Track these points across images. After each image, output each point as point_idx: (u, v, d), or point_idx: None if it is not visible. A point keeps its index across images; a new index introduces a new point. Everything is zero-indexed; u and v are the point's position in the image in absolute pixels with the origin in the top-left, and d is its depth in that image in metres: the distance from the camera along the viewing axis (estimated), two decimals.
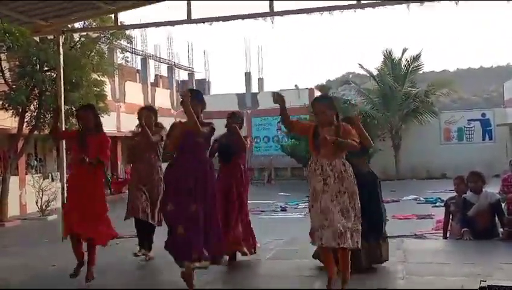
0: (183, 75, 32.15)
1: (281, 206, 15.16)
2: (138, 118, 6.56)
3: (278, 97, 4.60)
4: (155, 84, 26.99)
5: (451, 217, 7.76)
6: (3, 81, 12.43)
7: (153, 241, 6.57)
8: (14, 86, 12.68)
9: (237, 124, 6.25)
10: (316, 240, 4.45)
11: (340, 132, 4.54)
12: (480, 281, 3.65)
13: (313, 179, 4.58)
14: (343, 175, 4.56)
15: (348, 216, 4.47)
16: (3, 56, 12.62)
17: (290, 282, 4.61)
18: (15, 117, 13.00)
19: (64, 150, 9.33)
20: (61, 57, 9.29)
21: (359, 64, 28.48)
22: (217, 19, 8.22)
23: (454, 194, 7.88)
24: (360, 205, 4.59)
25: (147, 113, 6.58)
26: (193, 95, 4.90)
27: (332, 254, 4.55)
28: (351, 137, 4.59)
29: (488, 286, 3.50)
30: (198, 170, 4.76)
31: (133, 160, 6.82)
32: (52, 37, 9.88)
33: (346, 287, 4.52)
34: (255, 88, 31.33)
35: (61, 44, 9.39)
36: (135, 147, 6.68)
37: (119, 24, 9.83)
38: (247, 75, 31.04)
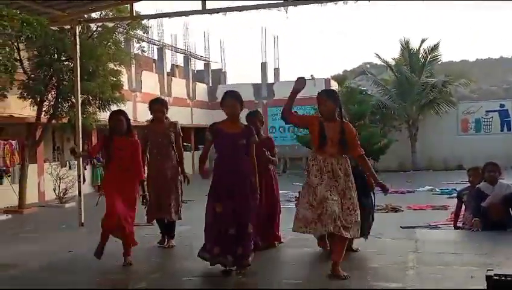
0: (199, 65, 32.23)
1: (295, 196, 15.17)
2: (150, 111, 6.61)
3: (301, 82, 4.73)
4: (171, 74, 27.09)
5: (464, 208, 7.75)
6: (21, 70, 12.59)
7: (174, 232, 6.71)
8: (32, 76, 12.87)
9: (259, 123, 6.30)
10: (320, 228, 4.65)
11: (345, 133, 4.75)
12: (487, 270, 3.67)
13: (321, 174, 4.70)
14: (348, 172, 4.80)
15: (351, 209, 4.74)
16: (21, 46, 12.79)
17: (301, 267, 4.72)
18: (33, 106, 13.19)
19: (81, 140, 9.51)
20: (78, 47, 9.42)
21: (376, 54, 28.22)
22: (231, 9, 8.27)
23: (468, 185, 7.87)
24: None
25: (158, 106, 6.58)
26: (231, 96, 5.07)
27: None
28: (354, 138, 4.83)
29: (494, 274, 3.52)
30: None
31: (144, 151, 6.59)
32: (69, 27, 10.00)
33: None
34: (271, 78, 31.26)
35: (78, 34, 9.53)
36: (148, 139, 6.56)
37: (134, 14, 9.91)
38: (263, 65, 30.96)
